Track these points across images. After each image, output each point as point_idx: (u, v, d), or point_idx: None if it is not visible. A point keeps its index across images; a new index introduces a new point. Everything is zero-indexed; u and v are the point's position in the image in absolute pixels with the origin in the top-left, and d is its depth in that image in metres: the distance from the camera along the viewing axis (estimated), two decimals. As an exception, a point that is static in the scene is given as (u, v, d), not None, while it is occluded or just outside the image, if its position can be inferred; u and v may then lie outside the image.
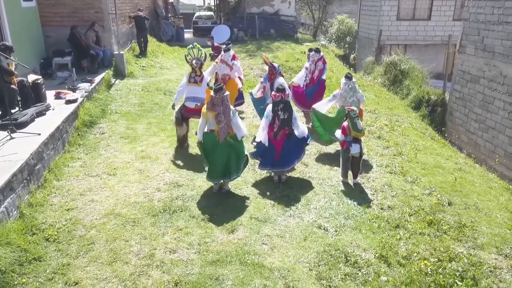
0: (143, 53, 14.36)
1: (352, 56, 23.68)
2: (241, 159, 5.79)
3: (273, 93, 6.16)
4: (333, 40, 25.11)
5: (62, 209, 5.30)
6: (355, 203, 5.86)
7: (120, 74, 11.43)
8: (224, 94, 5.55)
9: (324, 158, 7.37)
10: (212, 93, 5.57)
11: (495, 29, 11.09)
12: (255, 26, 21.50)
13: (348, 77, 7.39)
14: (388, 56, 17.11)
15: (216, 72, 8.61)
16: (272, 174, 6.41)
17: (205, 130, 5.71)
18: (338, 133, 6.39)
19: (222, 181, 5.84)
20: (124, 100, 9.89)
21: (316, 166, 7.03)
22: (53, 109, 7.39)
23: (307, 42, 21.51)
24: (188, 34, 23.76)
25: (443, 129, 12.64)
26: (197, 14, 27.01)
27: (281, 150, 6.17)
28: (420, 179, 6.79)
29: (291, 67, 14.77)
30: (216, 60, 9.01)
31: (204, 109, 5.64)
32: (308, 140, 6.43)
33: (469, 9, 12.28)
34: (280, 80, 7.63)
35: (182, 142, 7.38)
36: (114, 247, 4.58)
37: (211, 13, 28.24)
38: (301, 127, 6.39)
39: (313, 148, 7.75)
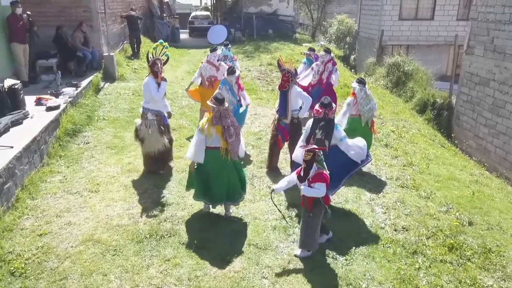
0: (135, 54, 13.71)
1: (352, 57, 23.08)
2: (243, 179, 5.12)
3: (316, 107, 5.18)
4: (332, 41, 24.52)
5: (34, 234, 4.65)
6: (366, 223, 5.24)
7: (109, 77, 10.79)
8: (227, 104, 4.86)
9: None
10: (211, 103, 4.73)
11: (506, 29, 10.50)
12: (252, 26, 20.88)
13: (362, 82, 6.60)
14: (390, 57, 16.52)
15: (201, 74, 7.90)
16: None
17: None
18: (322, 187, 4.26)
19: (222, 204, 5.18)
20: (113, 105, 9.24)
21: (321, 179, 6.40)
22: (32, 117, 6.74)
23: (305, 43, 20.91)
24: (184, 35, 23.10)
25: (452, 135, 12.03)
26: (193, 14, 26.37)
27: None
28: (434, 194, 6.18)
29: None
30: (202, 60, 8.28)
31: (204, 123, 4.76)
32: (362, 164, 5.38)
33: (477, 8, 11.68)
34: (297, 90, 6.22)
35: (159, 162, 6.15)
36: (90, 283, 3.93)
37: (208, 13, 27.59)
38: (355, 148, 5.18)
39: (316, 159, 7.12)
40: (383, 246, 4.79)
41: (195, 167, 4.91)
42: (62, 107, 7.40)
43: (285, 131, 6.33)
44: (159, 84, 5.77)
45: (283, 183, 4.58)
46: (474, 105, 11.79)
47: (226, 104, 4.80)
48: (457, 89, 12.98)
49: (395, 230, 5.16)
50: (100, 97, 9.52)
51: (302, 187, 4.30)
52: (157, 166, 6.17)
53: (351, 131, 6.09)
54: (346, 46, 24.39)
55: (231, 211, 5.22)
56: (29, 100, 7.39)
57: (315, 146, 4.35)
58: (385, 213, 5.56)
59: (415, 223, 5.32)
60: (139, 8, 16.40)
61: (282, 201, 5.66)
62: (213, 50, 7.87)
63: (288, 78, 6.09)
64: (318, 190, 4.25)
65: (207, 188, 4.93)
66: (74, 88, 8.47)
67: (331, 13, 29.10)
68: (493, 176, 7.99)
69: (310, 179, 4.27)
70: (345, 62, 20.82)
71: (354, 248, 4.70)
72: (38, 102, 7.46)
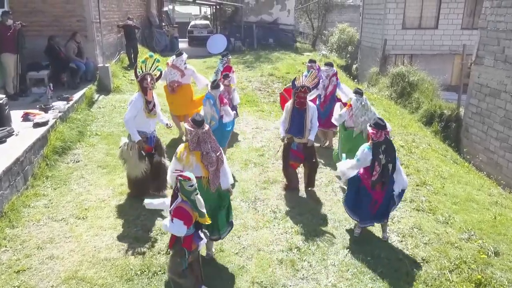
0: (132, 65, 13.28)
1: (354, 66, 22.71)
2: (230, 211, 4.46)
3: (371, 131, 4.67)
4: (334, 50, 24.18)
5: (10, 270, 4.14)
6: (381, 255, 4.73)
7: (104, 89, 10.31)
8: (207, 127, 4.20)
9: (338, 192, 6.23)
10: (188, 126, 4.12)
11: (518, 39, 10.10)
12: (253, 36, 20.48)
13: (359, 93, 6.26)
14: (394, 67, 16.13)
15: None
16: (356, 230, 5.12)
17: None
18: (178, 226, 3.46)
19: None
20: (107, 119, 8.76)
21: (329, 202, 5.90)
22: (17, 135, 6.26)
23: (306, 52, 20.53)
24: (183, 44, 22.73)
25: (465, 150, 11.54)
26: (192, 23, 25.98)
27: (382, 201, 4.85)
28: (453, 218, 5.68)
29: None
30: (167, 62, 7.80)
31: (181, 151, 4.14)
32: (403, 194, 5.05)
33: (486, 16, 11.29)
34: (314, 107, 5.90)
35: (141, 187, 5.54)
36: (70, 333, 3.42)
37: (207, 22, 27.24)
38: (403, 178, 4.88)
39: (323, 178, 6.64)
40: (403, 282, 4.28)
41: None
42: (51, 123, 6.92)
43: (298, 153, 5.86)
44: (147, 102, 5.28)
45: (156, 201, 3.97)
46: (484, 117, 11.33)
47: (206, 127, 4.16)
48: (465, 100, 12.54)
49: (415, 262, 4.64)
50: (93, 110, 9.05)
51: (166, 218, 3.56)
52: (138, 192, 5.56)
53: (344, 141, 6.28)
54: (348, 55, 24.05)
55: (213, 250, 4.56)
56: (16, 115, 6.93)
57: (183, 173, 3.47)
58: (401, 241, 5.05)
59: (435, 254, 4.82)
60: (137, 17, 16.00)
61: (289, 227, 5.15)
62: (179, 54, 7.48)
63: (306, 95, 5.70)
64: (174, 227, 3.42)
65: None
66: (65, 102, 7.99)
67: (332, 22, 28.82)
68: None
69: (172, 212, 3.47)
70: (347, 71, 20.43)
71: (371, 286, 4.19)
72: (25, 118, 6.99)
